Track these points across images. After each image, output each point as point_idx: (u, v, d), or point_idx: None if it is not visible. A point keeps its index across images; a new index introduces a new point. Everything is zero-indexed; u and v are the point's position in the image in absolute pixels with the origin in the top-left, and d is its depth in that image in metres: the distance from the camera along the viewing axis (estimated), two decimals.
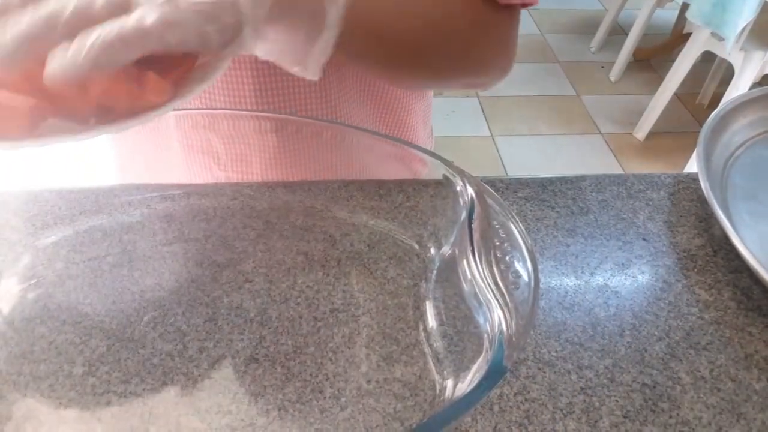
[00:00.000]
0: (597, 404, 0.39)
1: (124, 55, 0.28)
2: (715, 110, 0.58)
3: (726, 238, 0.49)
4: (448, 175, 0.44)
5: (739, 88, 1.77)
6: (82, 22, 0.28)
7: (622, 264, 0.48)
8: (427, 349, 0.41)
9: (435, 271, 0.45)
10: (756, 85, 1.83)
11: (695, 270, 0.48)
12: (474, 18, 0.46)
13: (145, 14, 0.28)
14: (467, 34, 0.46)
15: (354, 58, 0.45)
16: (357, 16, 0.37)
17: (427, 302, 0.43)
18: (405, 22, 0.43)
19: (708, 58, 1.93)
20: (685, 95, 2.28)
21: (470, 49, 0.47)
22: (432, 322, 0.42)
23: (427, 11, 0.44)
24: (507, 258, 0.39)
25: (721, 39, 1.71)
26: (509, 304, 0.35)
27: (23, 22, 0.28)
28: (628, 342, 0.43)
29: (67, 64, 0.28)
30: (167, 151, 0.58)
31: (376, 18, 0.41)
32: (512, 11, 0.49)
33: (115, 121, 0.32)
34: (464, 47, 0.47)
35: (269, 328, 0.41)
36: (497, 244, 0.40)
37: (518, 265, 0.38)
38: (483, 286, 0.36)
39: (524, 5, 0.49)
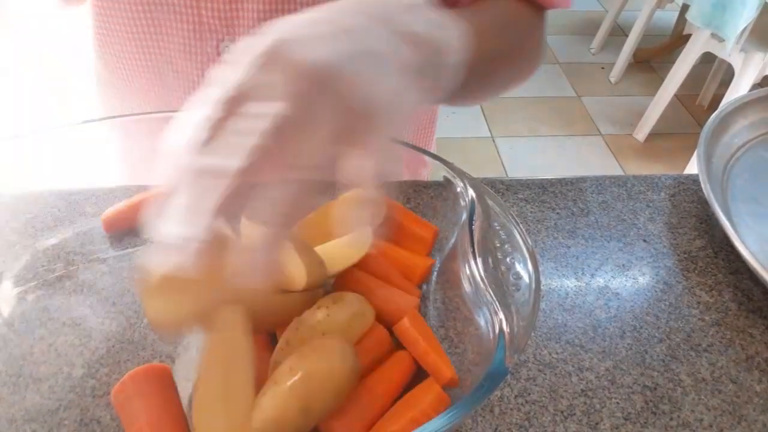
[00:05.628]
0: (598, 406, 0.39)
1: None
2: (716, 111, 0.58)
3: (727, 240, 0.49)
4: (449, 176, 0.44)
5: (740, 89, 1.77)
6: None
7: (623, 265, 0.48)
8: None
9: (435, 273, 0.45)
10: (756, 86, 1.83)
11: (696, 271, 0.48)
12: (529, 28, 0.47)
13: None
14: (529, 44, 0.47)
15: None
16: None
17: (428, 303, 0.43)
18: (498, 48, 0.42)
19: (708, 59, 1.93)
20: (685, 96, 2.28)
21: (527, 57, 0.48)
22: (433, 323, 0.42)
23: (511, 34, 0.44)
24: (508, 259, 0.39)
25: (721, 40, 1.71)
26: (510, 305, 0.35)
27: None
28: (628, 344, 0.43)
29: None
30: None
31: (482, 62, 0.39)
32: (542, 11, 0.50)
33: None
34: (527, 58, 0.48)
35: None
36: (498, 245, 0.40)
37: (519, 267, 0.38)
38: (483, 287, 0.36)
39: (555, 7, 0.50)
